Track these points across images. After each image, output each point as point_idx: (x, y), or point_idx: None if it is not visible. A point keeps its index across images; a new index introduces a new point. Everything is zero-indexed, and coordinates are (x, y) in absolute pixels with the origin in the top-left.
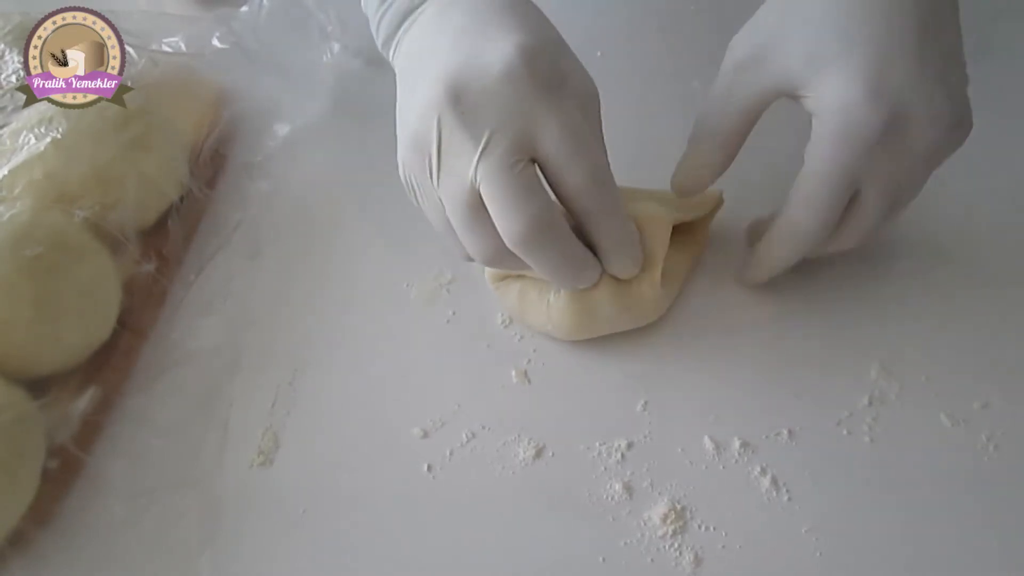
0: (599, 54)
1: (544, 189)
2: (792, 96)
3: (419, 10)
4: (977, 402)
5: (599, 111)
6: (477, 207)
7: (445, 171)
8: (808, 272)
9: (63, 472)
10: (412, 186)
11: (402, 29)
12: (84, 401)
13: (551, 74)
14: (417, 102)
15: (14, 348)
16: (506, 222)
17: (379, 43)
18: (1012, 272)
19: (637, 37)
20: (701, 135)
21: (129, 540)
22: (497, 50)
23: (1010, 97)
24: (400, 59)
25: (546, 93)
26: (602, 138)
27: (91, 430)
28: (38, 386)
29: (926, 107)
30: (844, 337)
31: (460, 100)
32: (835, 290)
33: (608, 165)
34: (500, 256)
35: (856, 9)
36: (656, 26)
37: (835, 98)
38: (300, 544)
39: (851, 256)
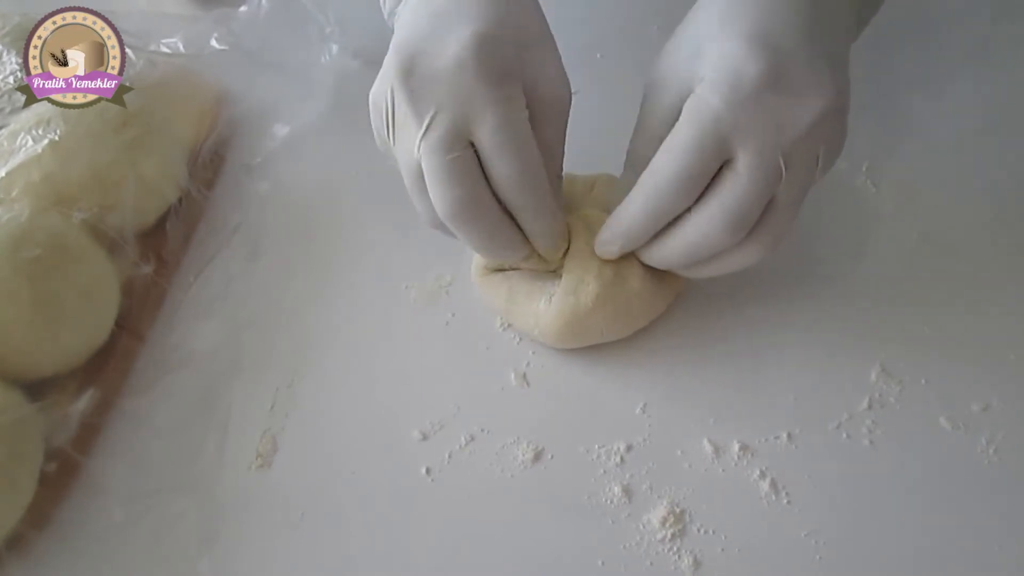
0: (599, 55)
1: (477, 174)
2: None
3: None
4: (977, 405)
5: (563, 111)
6: (421, 176)
7: (398, 138)
8: (808, 274)
9: (61, 475)
10: (382, 148)
11: (402, 3)
12: (82, 403)
13: (501, 67)
14: (382, 70)
15: (12, 350)
16: (435, 199)
17: (385, 14)
18: (1013, 273)
19: (637, 38)
20: (628, 164)
21: (127, 543)
22: (454, 36)
23: (1010, 97)
24: (395, 31)
25: (490, 85)
26: (558, 139)
27: (89, 433)
28: (36, 388)
29: (808, 68)
30: (844, 340)
31: (411, 76)
32: (835, 292)
33: (539, 163)
34: (439, 225)
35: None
36: (656, 27)
37: (716, 56)
38: (299, 547)
39: (850, 258)
